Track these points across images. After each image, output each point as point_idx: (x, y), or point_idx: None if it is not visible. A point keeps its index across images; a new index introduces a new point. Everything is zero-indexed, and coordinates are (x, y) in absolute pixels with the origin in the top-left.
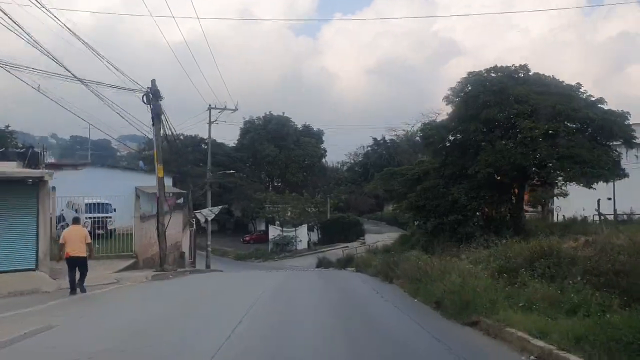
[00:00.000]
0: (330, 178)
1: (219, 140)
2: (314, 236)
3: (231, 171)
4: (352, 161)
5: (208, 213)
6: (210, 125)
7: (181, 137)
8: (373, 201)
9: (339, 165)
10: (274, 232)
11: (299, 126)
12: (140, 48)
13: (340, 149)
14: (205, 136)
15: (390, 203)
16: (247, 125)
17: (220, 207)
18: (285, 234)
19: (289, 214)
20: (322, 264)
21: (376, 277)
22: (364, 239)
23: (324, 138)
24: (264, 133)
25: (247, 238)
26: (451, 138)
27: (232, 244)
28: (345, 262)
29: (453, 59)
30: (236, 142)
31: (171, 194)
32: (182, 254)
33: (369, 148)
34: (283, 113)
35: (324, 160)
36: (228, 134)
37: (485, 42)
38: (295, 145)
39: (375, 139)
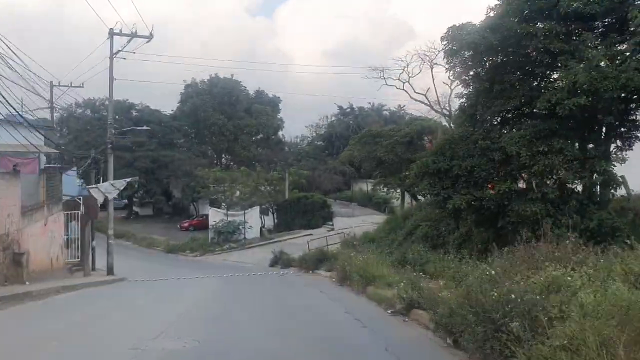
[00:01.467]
0: (288, 154)
1: (153, 107)
2: (269, 221)
3: (144, 127)
4: (314, 134)
5: (109, 189)
6: (112, 60)
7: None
8: (340, 179)
9: (298, 139)
10: (215, 216)
11: (251, 92)
12: None
13: (298, 123)
14: (137, 101)
15: (359, 180)
16: (188, 90)
17: (127, 180)
18: (231, 218)
19: (237, 194)
20: (280, 260)
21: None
22: (332, 224)
23: (280, 107)
24: (209, 98)
25: (185, 224)
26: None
27: (167, 232)
28: (315, 262)
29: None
30: (175, 109)
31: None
32: (18, 258)
33: (334, 118)
34: (232, 76)
35: (280, 133)
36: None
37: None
38: (247, 113)
39: (340, 107)
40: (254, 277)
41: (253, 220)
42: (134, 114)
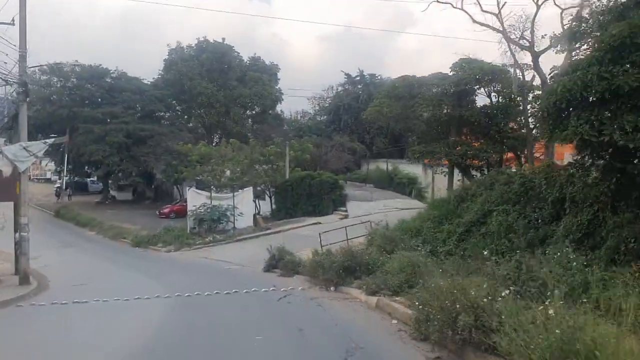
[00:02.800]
0: (287, 131)
1: (131, 74)
2: (265, 207)
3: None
4: (317, 107)
5: (19, 154)
6: None
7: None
8: (350, 157)
9: (299, 116)
10: (195, 199)
11: (246, 59)
12: None
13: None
14: (113, 66)
15: (370, 160)
16: (172, 56)
17: (47, 141)
18: (216, 202)
19: (227, 173)
20: (279, 263)
21: None
22: (345, 210)
23: (279, 76)
24: (196, 65)
25: (165, 211)
26: None
27: (145, 220)
28: (339, 271)
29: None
30: (158, 76)
31: None
32: None
33: (340, 88)
34: (223, 40)
35: (279, 109)
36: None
37: None
38: (240, 83)
39: (348, 76)
40: (236, 299)
41: (245, 204)
42: (108, 81)
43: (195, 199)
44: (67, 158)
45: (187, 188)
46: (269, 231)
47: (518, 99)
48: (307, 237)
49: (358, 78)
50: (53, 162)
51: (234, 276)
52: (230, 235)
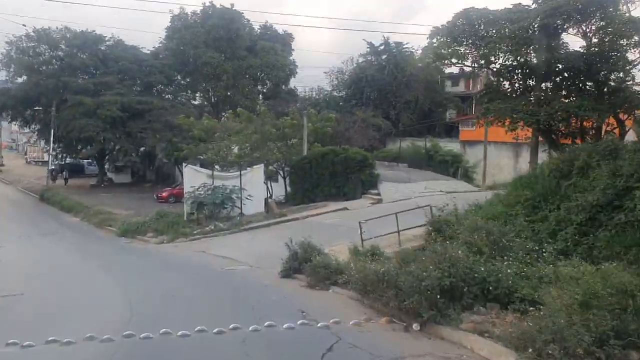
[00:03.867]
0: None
1: (129, 43)
2: (278, 190)
3: None
4: (335, 81)
5: None
6: None
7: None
8: (375, 134)
9: (313, 92)
10: (194, 178)
11: (256, 28)
12: None
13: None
14: (108, 34)
15: (396, 137)
16: (175, 24)
17: None
18: (219, 182)
19: (234, 149)
20: (304, 266)
21: None
22: (377, 193)
23: (293, 46)
24: (201, 32)
25: (163, 194)
26: None
27: (140, 205)
28: (438, 295)
29: None
30: (159, 45)
31: None
32: None
33: (362, 60)
34: (232, 5)
35: (292, 84)
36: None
37: None
38: (250, 52)
39: (371, 45)
40: (233, 355)
41: (254, 186)
42: (102, 49)
43: (193, 178)
44: (53, 134)
45: (184, 165)
46: (284, 218)
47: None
48: (333, 226)
49: (382, 47)
50: (43, 141)
51: (236, 286)
52: (236, 224)
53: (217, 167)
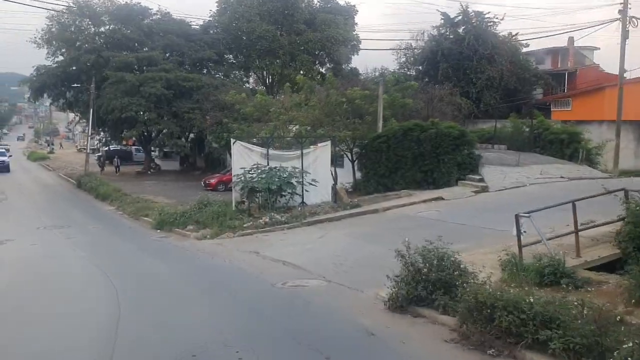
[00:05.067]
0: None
1: (177, 16)
2: (344, 176)
3: None
4: (403, 58)
5: None
6: None
7: None
8: (457, 114)
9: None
10: (243, 157)
11: (315, 0)
12: None
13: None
14: (154, 6)
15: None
16: None
17: None
18: (275, 162)
19: (293, 128)
20: (437, 292)
21: None
22: (480, 178)
23: (356, 20)
24: (256, 5)
25: (211, 181)
26: None
27: (186, 193)
28: None
29: None
30: (209, 19)
31: None
32: None
33: (435, 32)
34: None
35: (354, 63)
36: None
37: None
38: (309, 26)
39: (445, 16)
40: None
41: (319, 168)
42: (148, 22)
43: (242, 157)
44: (93, 114)
45: (232, 141)
46: (358, 210)
47: None
48: (432, 222)
49: (459, 19)
50: (85, 122)
51: (314, 330)
52: (297, 215)
53: (272, 147)
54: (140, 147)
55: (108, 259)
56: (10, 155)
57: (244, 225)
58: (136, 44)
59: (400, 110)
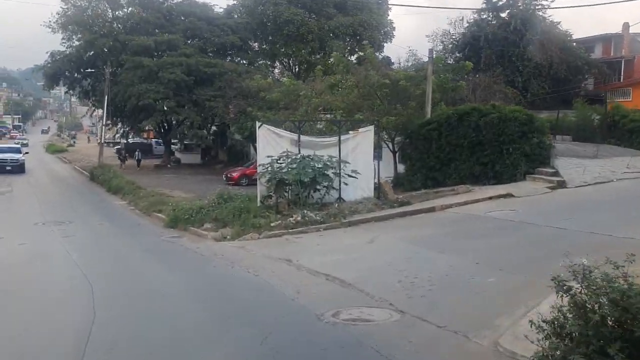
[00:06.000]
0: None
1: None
2: (384, 168)
3: None
4: (441, 45)
5: None
6: None
7: None
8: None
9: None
10: (270, 144)
11: None
12: None
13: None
14: None
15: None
16: None
17: None
18: (307, 150)
19: (324, 117)
20: None
21: None
22: (554, 172)
23: (390, 6)
24: None
25: (234, 175)
26: None
27: (205, 187)
28: None
29: None
30: (234, 2)
31: None
32: None
33: (476, 17)
34: None
35: (387, 51)
36: None
37: None
38: (339, 10)
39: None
40: None
41: (360, 157)
42: (167, 4)
43: (269, 143)
44: (107, 101)
45: (257, 125)
46: (409, 208)
47: None
48: (520, 225)
49: (504, 1)
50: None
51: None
52: (334, 213)
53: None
54: (160, 140)
55: (102, 265)
56: (27, 152)
57: (271, 225)
58: (156, 30)
59: (451, 94)
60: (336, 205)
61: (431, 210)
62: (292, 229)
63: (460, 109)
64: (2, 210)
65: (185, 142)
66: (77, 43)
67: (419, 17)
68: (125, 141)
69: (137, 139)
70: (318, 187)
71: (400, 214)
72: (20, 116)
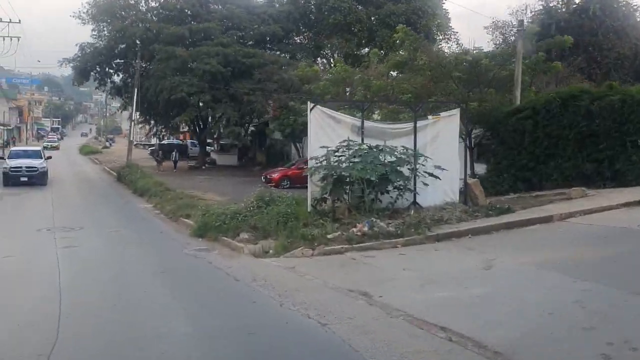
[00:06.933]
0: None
1: None
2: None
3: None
4: (501, 37)
5: None
6: None
7: None
8: None
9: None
10: (325, 131)
11: None
12: None
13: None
14: None
15: None
16: None
17: None
18: (372, 139)
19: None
20: None
21: None
22: None
23: None
24: None
25: (273, 176)
26: None
27: (242, 189)
28: None
29: None
30: None
31: None
32: None
33: (543, 4)
34: None
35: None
36: None
37: None
38: None
39: None
40: None
41: (442, 150)
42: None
43: (324, 130)
44: (137, 95)
45: (309, 106)
46: (514, 218)
47: None
48: None
49: None
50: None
51: None
52: (414, 224)
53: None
54: (196, 142)
55: (92, 297)
56: (49, 157)
57: (328, 237)
58: (192, 21)
59: (543, 78)
60: (411, 212)
61: (547, 220)
62: (357, 243)
63: (564, 91)
64: (8, 212)
65: (221, 142)
66: (107, 35)
67: (475, 5)
68: (159, 142)
69: (173, 140)
70: (389, 187)
71: (505, 226)
72: (59, 119)
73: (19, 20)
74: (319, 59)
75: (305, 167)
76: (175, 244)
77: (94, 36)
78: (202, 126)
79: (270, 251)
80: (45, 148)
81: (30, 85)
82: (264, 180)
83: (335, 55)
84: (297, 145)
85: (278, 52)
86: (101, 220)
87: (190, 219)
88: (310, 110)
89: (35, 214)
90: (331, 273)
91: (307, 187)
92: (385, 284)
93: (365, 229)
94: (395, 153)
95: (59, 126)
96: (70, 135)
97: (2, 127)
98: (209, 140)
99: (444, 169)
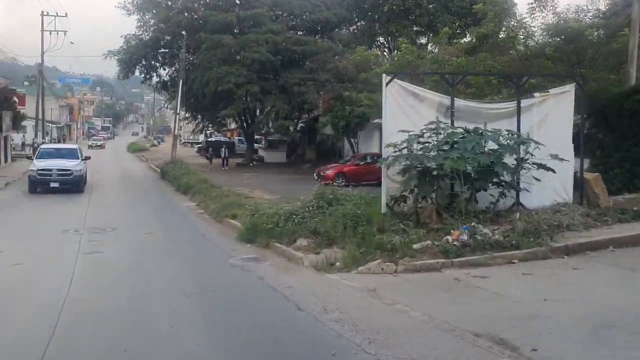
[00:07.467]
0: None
1: None
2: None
3: None
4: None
5: None
6: None
7: None
8: None
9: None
10: (402, 113)
11: None
12: None
13: None
14: None
15: None
16: None
17: None
18: (462, 122)
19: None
20: None
21: None
22: None
23: None
24: None
25: (328, 173)
26: None
27: (294, 187)
28: None
29: None
30: None
31: None
32: None
33: None
34: None
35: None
36: None
37: None
38: None
39: None
40: None
41: (551, 136)
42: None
43: (401, 108)
44: (181, 86)
45: (385, 79)
46: None
47: None
48: None
49: None
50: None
51: None
52: (530, 231)
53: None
54: (243, 139)
55: (101, 327)
56: (87, 157)
57: (414, 246)
58: (240, 11)
59: None
60: (517, 215)
61: None
62: (456, 257)
63: None
64: (39, 208)
65: (269, 138)
66: (152, 26)
67: None
68: (206, 138)
69: (220, 137)
70: (490, 182)
71: None
72: (110, 118)
73: (66, 14)
74: (372, 49)
75: (361, 164)
76: (218, 251)
77: (139, 27)
78: (249, 121)
79: (337, 263)
80: (89, 147)
81: (81, 85)
82: (316, 177)
83: (392, 44)
84: (352, 140)
85: (328, 41)
86: (138, 220)
87: (237, 219)
88: (387, 84)
89: (67, 212)
90: (434, 302)
91: (365, 185)
92: (529, 324)
93: (465, 237)
94: (500, 138)
95: (110, 125)
96: (121, 135)
97: (51, 125)
98: (256, 137)
99: (563, 159)
